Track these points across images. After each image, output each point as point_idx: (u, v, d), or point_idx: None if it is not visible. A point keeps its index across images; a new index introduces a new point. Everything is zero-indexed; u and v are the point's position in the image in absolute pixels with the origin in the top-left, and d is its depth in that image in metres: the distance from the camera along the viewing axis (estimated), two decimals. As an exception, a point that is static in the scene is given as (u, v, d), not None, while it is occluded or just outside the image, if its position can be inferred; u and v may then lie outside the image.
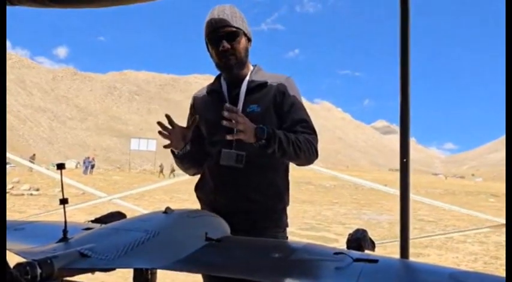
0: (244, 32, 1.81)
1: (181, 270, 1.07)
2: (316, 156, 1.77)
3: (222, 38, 1.76)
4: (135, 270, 1.20)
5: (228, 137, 1.57)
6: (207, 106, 1.87)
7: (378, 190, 5.11)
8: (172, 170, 37.16)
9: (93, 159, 38.78)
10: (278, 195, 1.80)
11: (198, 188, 1.91)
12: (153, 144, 56.05)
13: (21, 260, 0.92)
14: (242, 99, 1.79)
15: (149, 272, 1.20)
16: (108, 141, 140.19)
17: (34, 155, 40.04)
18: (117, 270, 1.04)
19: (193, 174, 1.99)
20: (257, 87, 1.81)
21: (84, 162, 36.99)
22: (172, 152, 1.81)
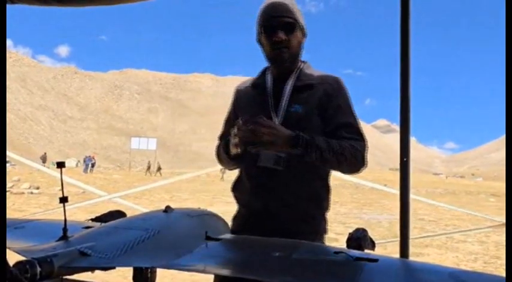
0: (301, 26, 1.72)
1: (181, 269, 1.07)
2: (363, 164, 1.66)
3: (278, 28, 1.66)
4: (135, 269, 1.20)
5: (252, 150, 1.51)
6: (249, 100, 1.78)
7: (379, 189, 5.12)
8: (159, 169, 37.28)
9: (93, 157, 38.87)
10: (316, 200, 1.71)
11: (234, 188, 1.83)
12: (153, 143, 56.11)
13: (21, 258, 0.93)
14: (286, 97, 1.69)
15: (149, 270, 1.20)
16: (109, 140, 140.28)
17: (45, 154, 39.91)
18: (117, 268, 1.04)
19: (232, 170, 1.88)
20: (303, 87, 1.71)
21: (84, 161, 37.07)
22: (228, 151, 1.69)
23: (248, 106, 1.77)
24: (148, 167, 38.21)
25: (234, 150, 1.62)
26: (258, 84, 1.80)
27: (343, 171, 1.69)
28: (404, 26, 2.16)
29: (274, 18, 1.67)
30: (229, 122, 1.84)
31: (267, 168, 1.62)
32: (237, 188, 1.82)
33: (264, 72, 1.83)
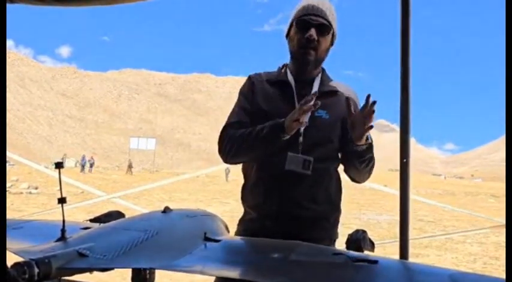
0: (333, 32, 1.70)
1: (179, 270, 1.07)
2: (371, 173, 1.76)
3: (312, 26, 1.63)
4: (134, 270, 1.19)
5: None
6: (271, 96, 1.71)
7: (378, 190, 5.12)
8: (130, 167, 37.41)
9: (92, 158, 38.88)
10: (331, 204, 1.72)
11: (244, 190, 1.79)
12: (152, 143, 56.10)
13: (19, 259, 0.92)
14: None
15: (147, 271, 1.20)
16: (108, 140, 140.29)
17: (65, 155, 39.71)
18: (116, 269, 1.03)
19: (233, 163, 1.78)
20: (328, 93, 1.69)
21: (81, 161, 37.03)
22: (281, 132, 1.56)
23: (272, 102, 1.70)
24: (130, 166, 38.21)
25: (295, 124, 1.53)
26: (278, 81, 1.74)
27: (360, 178, 1.75)
28: (404, 27, 2.16)
29: (311, 15, 1.64)
30: (245, 111, 1.73)
31: (289, 172, 1.59)
32: (248, 190, 1.76)
33: (283, 70, 1.77)
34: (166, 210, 1.34)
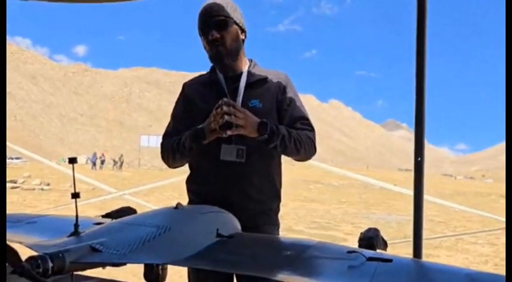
0: (235, 22, 1.78)
1: (192, 266, 1.07)
2: (315, 151, 1.80)
3: (211, 27, 1.74)
4: (146, 266, 1.19)
5: (228, 133, 1.58)
6: (202, 97, 1.81)
7: (387, 190, 5.10)
8: (121, 163, 37.22)
9: (102, 154, 39.15)
10: (274, 193, 1.81)
11: (191, 181, 1.86)
12: (162, 141, 56.19)
13: (33, 253, 0.93)
14: (242, 93, 1.77)
15: (160, 267, 1.20)
16: (118, 137, 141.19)
17: (122, 155, 39.83)
18: (126, 265, 1.03)
19: (176, 167, 1.91)
20: (257, 82, 1.79)
21: (91, 158, 37.28)
22: (199, 139, 1.67)
23: (203, 103, 1.78)
24: (121, 162, 38.08)
25: (212, 136, 1.63)
26: (209, 82, 1.84)
27: (299, 158, 1.79)
28: (420, 27, 2.14)
29: (207, 19, 1.75)
30: (179, 118, 1.85)
31: (229, 162, 1.68)
32: (195, 181, 1.84)
33: (214, 71, 1.86)
34: (178, 206, 1.34)
